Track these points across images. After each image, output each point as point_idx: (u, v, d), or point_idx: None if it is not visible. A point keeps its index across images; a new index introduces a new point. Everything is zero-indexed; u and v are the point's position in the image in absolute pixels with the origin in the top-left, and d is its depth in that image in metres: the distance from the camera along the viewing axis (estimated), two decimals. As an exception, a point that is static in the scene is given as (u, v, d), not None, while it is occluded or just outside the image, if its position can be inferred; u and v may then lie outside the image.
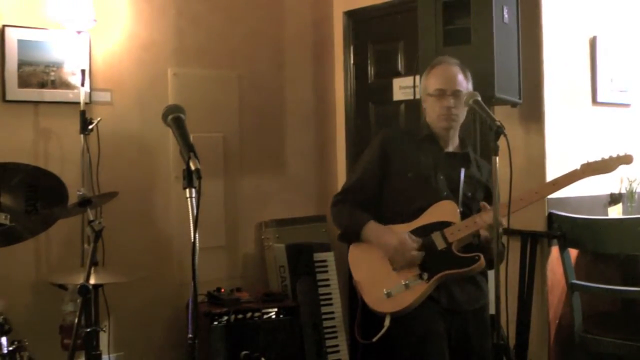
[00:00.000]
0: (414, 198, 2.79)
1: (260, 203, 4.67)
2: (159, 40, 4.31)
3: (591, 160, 2.71)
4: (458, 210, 2.73)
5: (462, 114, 2.84)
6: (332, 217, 2.99)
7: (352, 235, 2.89)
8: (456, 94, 2.79)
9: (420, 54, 3.48)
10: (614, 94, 4.16)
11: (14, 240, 3.09)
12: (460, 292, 2.74)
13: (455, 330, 2.75)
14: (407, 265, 2.72)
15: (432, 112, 2.85)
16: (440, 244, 2.71)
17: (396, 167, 2.85)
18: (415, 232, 2.76)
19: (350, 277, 2.92)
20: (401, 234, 2.74)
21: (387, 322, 2.71)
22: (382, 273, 2.76)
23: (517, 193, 2.60)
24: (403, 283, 2.70)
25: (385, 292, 2.72)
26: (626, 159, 2.72)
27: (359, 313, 2.81)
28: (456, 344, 2.74)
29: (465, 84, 2.83)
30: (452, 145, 2.89)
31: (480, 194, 2.84)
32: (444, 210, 2.74)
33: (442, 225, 2.73)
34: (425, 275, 2.69)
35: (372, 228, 2.82)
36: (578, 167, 2.71)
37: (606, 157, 2.71)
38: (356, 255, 2.89)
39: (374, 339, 2.72)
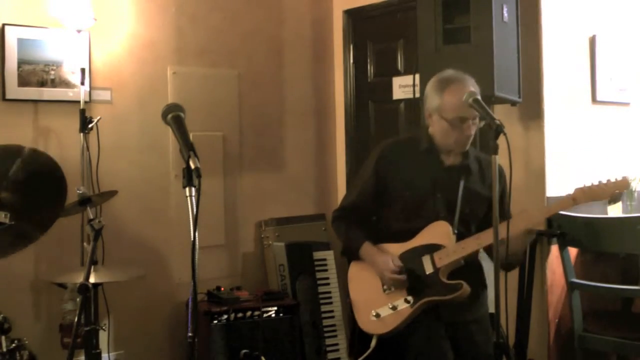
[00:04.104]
0: (410, 218, 2.77)
1: (260, 202, 4.67)
2: (159, 39, 4.30)
3: (586, 185, 2.62)
4: (451, 232, 2.69)
5: None
6: (334, 231, 3.01)
7: (350, 255, 2.94)
8: (476, 118, 2.66)
9: (419, 53, 3.48)
10: (613, 93, 4.16)
11: (25, 243, 3.08)
12: (460, 306, 2.72)
13: (459, 338, 2.74)
14: (395, 286, 2.74)
15: (447, 137, 2.71)
16: (429, 268, 2.70)
17: (393, 186, 2.80)
18: (407, 253, 2.76)
19: (348, 293, 2.95)
20: (386, 258, 2.74)
21: (373, 343, 2.76)
22: (373, 294, 2.79)
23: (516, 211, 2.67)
24: (390, 306, 2.73)
25: (373, 314, 2.76)
26: (622, 185, 2.59)
27: (351, 331, 2.84)
28: (461, 352, 2.74)
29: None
30: (453, 156, 2.79)
31: (481, 208, 2.75)
32: (437, 232, 2.72)
33: (433, 248, 2.71)
34: (411, 299, 2.70)
35: (366, 249, 2.84)
36: (572, 191, 2.62)
37: (603, 182, 2.60)
38: (354, 273, 2.93)
39: (360, 359, 2.78)
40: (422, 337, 2.71)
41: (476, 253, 2.77)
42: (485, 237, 2.61)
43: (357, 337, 2.88)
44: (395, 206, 2.81)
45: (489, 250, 2.70)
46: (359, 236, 2.87)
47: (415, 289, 2.71)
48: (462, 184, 2.73)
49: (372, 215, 2.90)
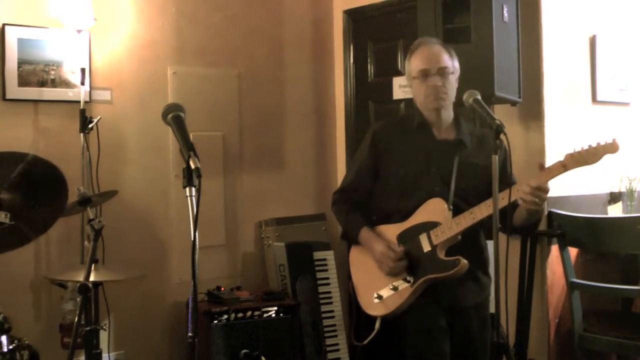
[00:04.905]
0: (407, 196, 2.78)
1: (260, 201, 4.67)
2: (159, 38, 4.31)
3: (576, 150, 2.55)
4: (447, 209, 2.69)
5: (452, 92, 2.77)
6: (334, 214, 3.03)
7: (350, 239, 2.96)
8: (442, 71, 2.72)
9: (420, 53, 3.48)
10: (613, 93, 4.16)
11: (20, 243, 3.07)
12: (461, 289, 2.74)
13: (458, 326, 2.76)
14: (395, 272, 2.74)
15: (419, 95, 2.78)
16: (426, 247, 2.71)
17: (388, 164, 2.84)
18: (405, 233, 2.77)
19: (350, 277, 2.95)
20: (383, 245, 2.75)
21: (377, 325, 2.78)
22: (375, 276, 2.80)
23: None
24: (391, 287, 2.74)
25: (375, 296, 2.77)
26: (611, 148, 2.52)
27: (355, 315, 2.85)
28: (460, 340, 2.75)
29: (450, 62, 2.76)
30: (445, 131, 2.81)
31: (480, 181, 2.71)
32: (432, 209, 2.72)
33: (430, 226, 2.71)
34: (411, 279, 2.71)
35: (364, 235, 2.85)
36: (562, 158, 2.56)
37: (592, 145, 2.53)
38: (355, 256, 2.94)
39: (365, 342, 2.80)
40: (420, 328, 2.72)
41: (477, 231, 2.76)
42: (479, 212, 2.61)
43: (361, 321, 2.88)
44: (392, 184, 2.82)
45: (485, 224, 2.68)
46: (357, 221, 2.88)
47: (414, 268, 2.72)
48: (456, 158, 2.74)
49: (369, 197, 2.91)
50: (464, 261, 2.62)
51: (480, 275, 2.81)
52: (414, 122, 2.84)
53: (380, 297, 2.76)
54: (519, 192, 2.55)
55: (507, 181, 2.60)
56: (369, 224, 2.87)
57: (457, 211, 2.69)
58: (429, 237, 2.70)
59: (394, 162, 2.82)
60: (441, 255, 2.68)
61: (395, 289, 2.73)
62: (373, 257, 2.80)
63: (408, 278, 2.72)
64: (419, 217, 2.75)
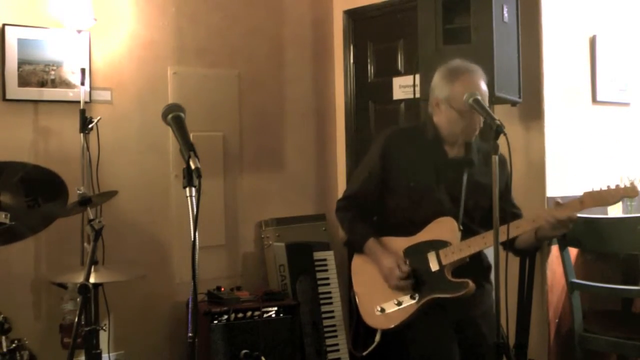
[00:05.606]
0: (415, 210, 2.75)
1: (260, 202, 4.67)
2: (159, 39, 4.31)
3: (595, 189, 2.57)
4: (457, 229, 2.68)
5: None
6: (338, 221, 3.00)
7: (354, 248, 2.93)
8: None
9: (420, 53, 3.48)
10: (613, 93, 4.16)
11: (14, 239, 3.08)
12: (467, 300, 2.70)
13: (466, 332, 2.75)
14: (400, 288, 2.73)
15: (455, 126, 2.71)
16: (434, 265, 2.69)
17: (398, 176, 2.79)
18: (412, 248, 2.75)
19: (351, 279, 2.94)
20: (392, 261, 2.73)
21: (377, 338, 2.76)
22: (378, 288, 2.78)
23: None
24: (395, 301, 2.73)
25: (378, 308, 2.76)
26: (632, 192, 2.54)
27: (355, 324, 2.84)
28: (469, 346, 2.74)
29: (487, 92, 2.74)
30: (457, 149, 2.79)
31: (485, 199, 2.70)
32: (443, 228, 2.70)
33: (439, 245, 2.69)
34: (416, 296, 2.70)
35: (370, 246, 2.82)
36: (581, 194, 2.58)
37: (612, 186, 2.56)
38: (358, 265, 2.91)
39: (364, 353, 2.79)
40: (428, 337, 2.71)
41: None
42: (491, 238, 2.58)
43: (361, 330, 2.87)
44: (399, 196, 2.80)
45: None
46: (363, 231, 2.85)
47: (420, 285, 2.70)
48: (465, 177, 2.73)
49: (376, 203, 2.88)
50: (472, 284, 2.61)
51: (484, 284, 2.81)
52: (427, 136, 2.80)
53: (382, 310, 2.74)
54: (542, 219, 2.57)
55: (507, 198, 2.63)
56: (375, 234, 2.84)
57: (465, 230, 2.69)
58: (438, 257, 2.69)
59: (404, 172, 2.78)
60: (448, 275, 2.66)
61: (399, 304, 2.72)
62: (380, 271, 2.78)
63: (413, 295, 2.70)
64: (428, 234, 2.73)
